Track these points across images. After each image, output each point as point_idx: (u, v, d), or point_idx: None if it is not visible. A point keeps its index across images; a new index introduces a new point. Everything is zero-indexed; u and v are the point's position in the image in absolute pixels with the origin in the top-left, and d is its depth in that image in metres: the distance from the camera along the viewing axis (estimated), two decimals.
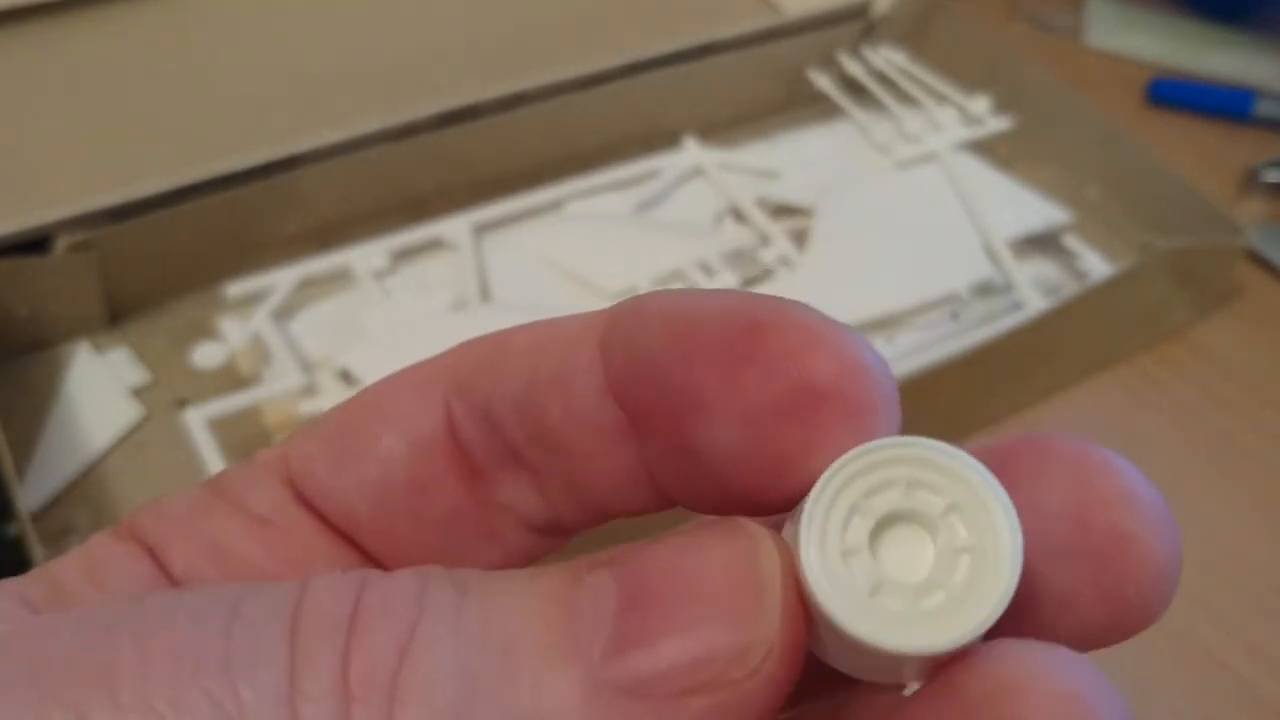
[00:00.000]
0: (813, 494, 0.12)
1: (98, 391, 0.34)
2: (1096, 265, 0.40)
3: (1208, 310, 0.40)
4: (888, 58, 0.46)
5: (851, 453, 0.12)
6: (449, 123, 0.39)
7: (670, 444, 0.13)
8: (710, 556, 0.12)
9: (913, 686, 0.13)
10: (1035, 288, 0.38)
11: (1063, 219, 0.41)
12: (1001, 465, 0.12)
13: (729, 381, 0.12)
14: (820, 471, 0.12)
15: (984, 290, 0.38)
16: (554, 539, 0.15)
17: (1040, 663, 0.12)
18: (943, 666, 0.12)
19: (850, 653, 0.12)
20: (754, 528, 0.12)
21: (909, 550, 0.12)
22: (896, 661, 0.12)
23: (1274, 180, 0.45)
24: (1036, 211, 0.41)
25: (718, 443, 0.12)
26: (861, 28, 0.46)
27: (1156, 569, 0.13)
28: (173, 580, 0.14)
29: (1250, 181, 0.45)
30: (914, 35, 0.47)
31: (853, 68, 0.45)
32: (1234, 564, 0.33)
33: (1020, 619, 0.13)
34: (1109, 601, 0.13)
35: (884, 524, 0.12)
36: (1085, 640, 0.13)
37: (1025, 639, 0.12)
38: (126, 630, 0.11)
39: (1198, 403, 0.37)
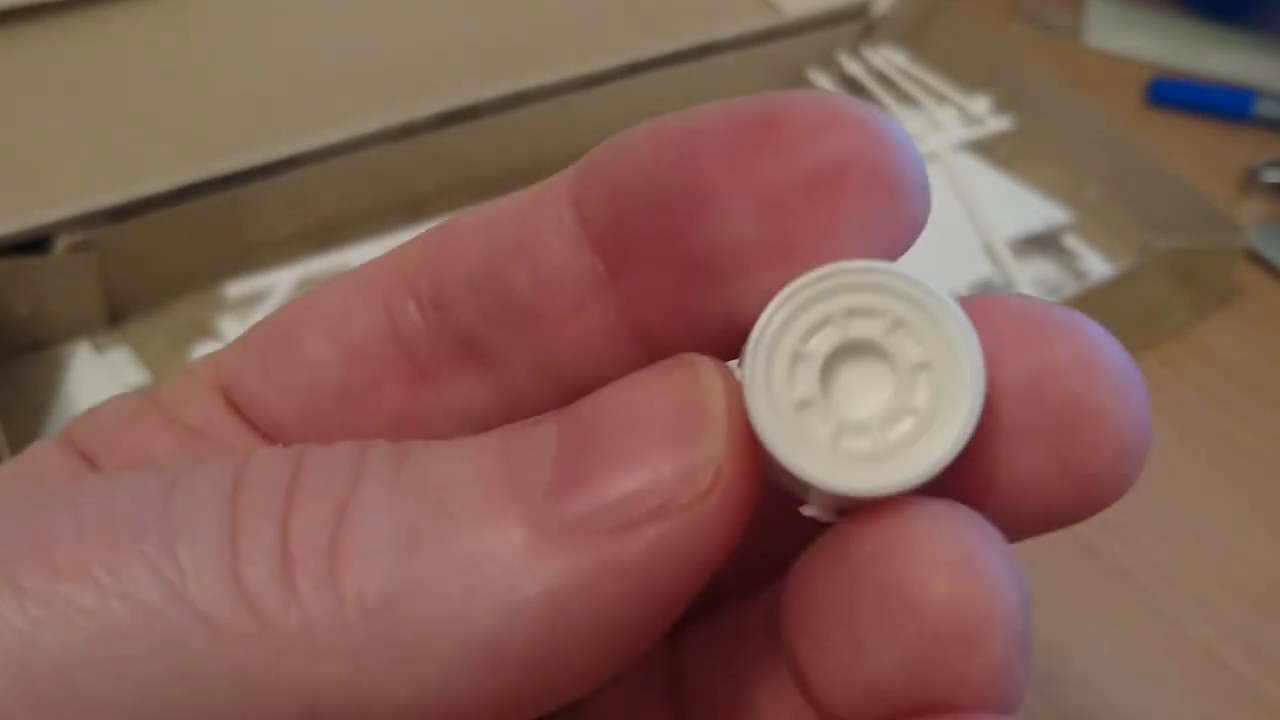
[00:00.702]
0: (748, 351, 0.11)
1: (98, 391, 0.34)
2: (1096, 265, 0.40)
3: (1208, 310, 0.40)
4: (888, 58, 0.46)
5: (776, 299, 0.11)
6: (449, 123, 0.39)
7: (666, 272, 0.12)
8: (649, 388, 0.11)
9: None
10: (1035, 288, 0.38)
11: (1063, 219, 0.41)
12: None
13: (742, 171, 0.12)
14: (843, 255, 0.11)
15: (984, 290, 0.38)
16: None
17: (932, 524, 0.11)
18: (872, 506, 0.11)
19: (824, 496, 0.11)
20: (694, 357, 0.12)
21: (865, 381, 0.11)
22: (877, 500, 0.11)
23: (1274, 180, 0.45)
24: (1036, 211, 0.41)
25: (731, 240, 0.12)
26: (861, 28, 0.46)
27: (1123, 441, 0.12)
28: None
29: (1250, 181, 0.45)
30: (914, 35, 0.47)
31: (853, 68, 0.45)
32: (1234, 564, 0.33)
33: (979, 499, 0.12)
34: (1073, 479, 0.12)
35: (833, 361, 0.11)
36: (1051, 518, 0.12)
37: (927, 499, 0.11)
38: (61, 502, 0.11)
39: (1198, 403, 0.37)
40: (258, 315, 0.35)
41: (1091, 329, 0.12)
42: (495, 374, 0.13)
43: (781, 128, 0.12)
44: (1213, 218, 0.39)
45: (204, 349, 0.35)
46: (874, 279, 0.11)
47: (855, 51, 0.46)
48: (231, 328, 0.35)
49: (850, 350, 0.11)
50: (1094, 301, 0.36)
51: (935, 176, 0.42)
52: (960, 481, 0.12)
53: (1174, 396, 0.38)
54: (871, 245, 0.11)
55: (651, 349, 0.13)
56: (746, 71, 0.44)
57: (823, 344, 0.11)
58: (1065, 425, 0.12)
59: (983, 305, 0.12)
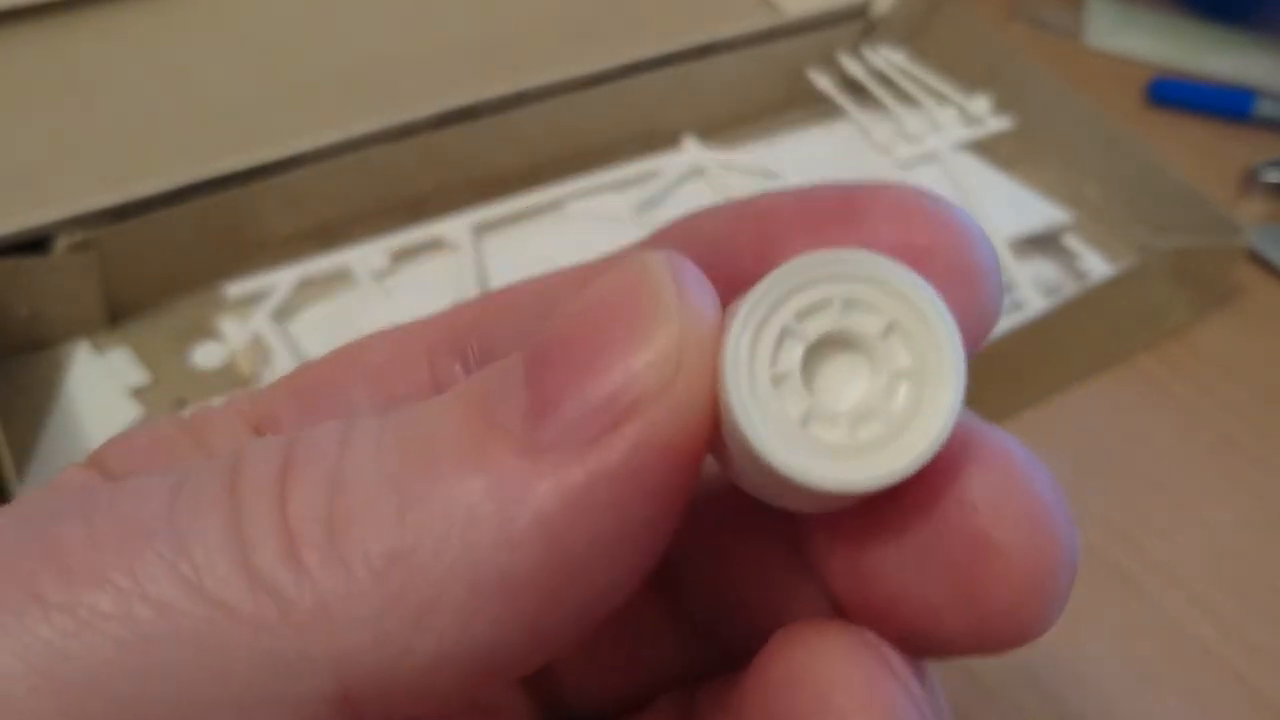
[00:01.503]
0: (740, 315, 0.11)
1: (98, 391, 0.34)
2: (1096, 265, 0.40)
3: (1208, 310, 0.40)
4: (888, 58, 0.46)
5: (783, 268, 0.11)
6: (449, 123, 0.39)
7: None
8: (600, 297, 0.11)
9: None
10: (1035, 288, 0.38)
11: (1063, 219, 0.41)
12: None
13: (823, 243, 0.12)
14: None
15: None
16: None
17: (838, 656, 0.11)
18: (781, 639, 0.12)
19: (777, 485, 0.11)
20: (640, 253, 0.12)
21: (846, 376, 0.11)
22: (830, 496, 0.11)
23: (1274, 180, 0.45)
24: (1036, 211, 0.41)
25: None
26: (861, 28, 0.46)
27: (1027, 583, 0.11)
28: None
29: (1250, 181, 0.45)
30: (914, 35, 0.47)
31: (853, 68, 0.45)
32: (1234, 564, 0.33)
33: (881, 624, 0.12)
34: (974, 614, 0.12)
35: (820, 348, 0.11)
36: (956, 647, 0.12)
37: (838, 624, 0.12)
38: (72, 512, 0.11)
39: (1198, 403, 0.37)
40: (258, 315, 0.35)
41: (1018, 458, 0.12)
42: None
43: (862, 212, 0.12)
44: (1213, 218, 0.39)
45: (204, 349, 0.35)
46: (880, 272, 0.11)
47: (855, 51, 0.46)
48: (231, 328, 0.35)
49: (838, 341, 0.11)
50: (1094, 301, 0.36)
51: (935, 176, 0.42)
52: (865, 595, 0.12)
53: (1174, 396, 0.38)
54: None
55: None
56: (746, 71, 0.44)
57: (816, 327, 0.11)
58: (968, 559, 0.11)
59: None
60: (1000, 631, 0.12)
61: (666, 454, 0.11)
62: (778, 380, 0.11)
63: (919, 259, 0.12)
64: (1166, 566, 0.32)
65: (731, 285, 0.12)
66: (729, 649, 0.15)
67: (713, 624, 0.15)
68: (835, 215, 0.12)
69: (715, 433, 0.11)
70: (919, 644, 0.12)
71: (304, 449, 0.12)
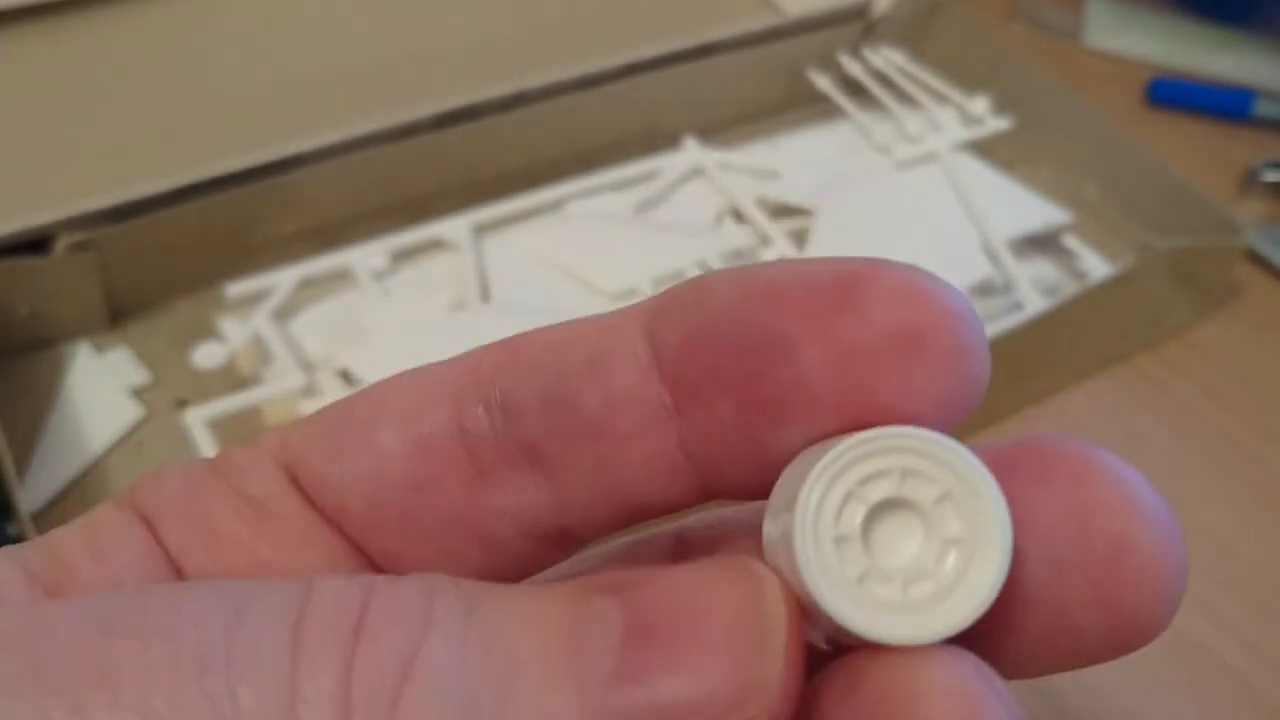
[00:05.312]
0: (810, 479, 0.12)
1: (98, 391, 0.34)
2: (1096, 265, 0.40)
3: (1208, 310, 0.40)
4: (888, 58, 0.46)
5: (849, 440, 0.12)
6: (449, 123, 0.39)
7: (733, 411, 0.13)
8: (716, 594, 0.12)
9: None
10: (1035, 288, 0.38)
11: (1063, 219, 0.41)
12: (1000, 468, 0.12)
13: (824, 326, 0.12)
14: (910, 413, 0.12)
15: (984, 290, 0.38)
16: (553, 552, 0.15)
17: (940, 672, 0.12)
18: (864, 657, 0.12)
19: (839, 632, 0.12)
20: (761, 570, 0.12)
21: (901, 539, 0.12)
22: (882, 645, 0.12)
23: (1274, 180, 0.45)
24: (1036, 211, 0.41)
25: (804, 388, 0.13)
26: (861, 28, 0.46)
27: (1158, 580, 0.12)
28: (168, 554, 0.14)
29: (1250, 181, 0.45)
30: (914, 35, 0.47)
31: (853, 68, 0.45)
32: (1234, 564, 0.33)
33: (1016, 628, 0.13)
34: (1108, 613, 0.12)
35: (878, 512, 0.12)
36: (1084, 653, 0.13)
37: (938, 646, 0.12)
38: (128, 628, 0.11)
39: (1198, 403, 0.37)
40: (258, 315, 0.35)
41: (1132, 473, 0.13)
42: (553, 482, 0.14)
43: (862, 292, 0.13)
44: (1212, 218, 0.39)
45: (204, 349, 0.35)
46: (936, 449, 0.12)
47: (855, 51, 0.46)
48: (231, 328, 0.35)
49: (895, 503, 0.12)
50: (1094, 301, 0.36)
51: (935, 176, 0.42)
52: (1002, 602, 0.12)
53: (1174, 396, 0.38)
54: (938, 406, 0.13)
55: (706, 478, 0.14)
56: (746, 71, 0.44)
57: (876, 492, 0.12)
58: (1106, 561, 0.12)
59: (1036, 448, 0.13)
60: (1131, 628, 0.12)
61: None
62: (840, 541, 0.12)
63: (918, 338, 0.12)
64: None
65: (735, 360, 0.13)
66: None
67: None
68: (838, 292, 0.13)
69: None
70: (1048, 653, 0.13)
71: (382, 611, 0.11)
